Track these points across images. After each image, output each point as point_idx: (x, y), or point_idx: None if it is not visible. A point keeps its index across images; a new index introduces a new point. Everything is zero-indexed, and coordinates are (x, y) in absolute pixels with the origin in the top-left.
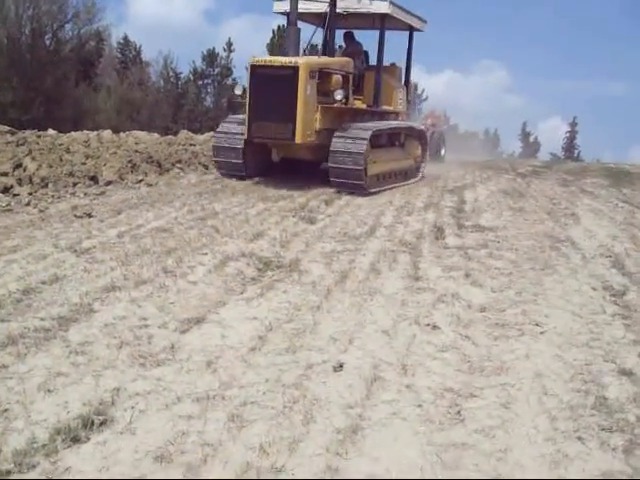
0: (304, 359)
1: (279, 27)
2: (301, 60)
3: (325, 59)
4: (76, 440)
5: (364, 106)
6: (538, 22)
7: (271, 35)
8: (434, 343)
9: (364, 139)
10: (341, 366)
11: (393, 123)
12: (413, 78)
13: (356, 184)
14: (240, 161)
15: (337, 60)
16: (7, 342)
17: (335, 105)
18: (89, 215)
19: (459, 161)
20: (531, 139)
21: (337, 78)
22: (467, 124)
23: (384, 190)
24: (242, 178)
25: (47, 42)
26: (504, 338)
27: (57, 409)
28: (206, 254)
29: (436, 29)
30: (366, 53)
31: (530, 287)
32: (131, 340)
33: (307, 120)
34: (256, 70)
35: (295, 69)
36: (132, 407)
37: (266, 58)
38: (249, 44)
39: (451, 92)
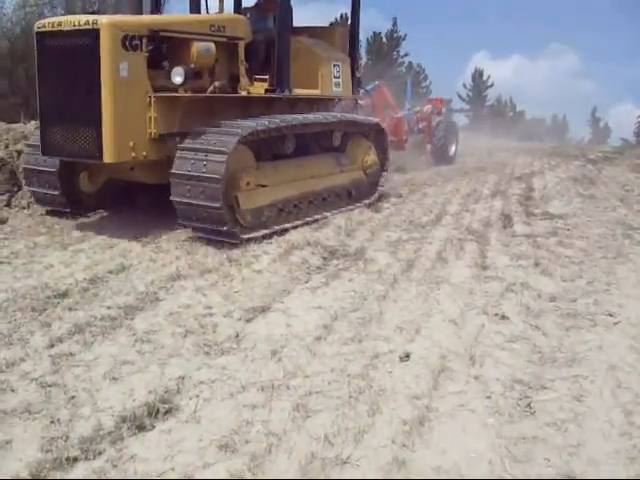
0: (370, 349)
1: (341, 15)
2: (105, 19)
3: (160, 17)
4: (141, 428)
5: (266, 93)
6: (609, 5)
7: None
8: (503, 333)
9: (224, 152)
10: (407, 356)
11: (309, 117)
12: (478, 64)
13: (217, 230)
14: (56, 192)
15: (192, 18)
16: (74, 330)
17: (181, 94)
18: None
19: (526, 148)
20: (601, 125)
21: (197, 49)
22: (534, 110)
23: (288, 228)
24: (72, 214)
25: None
26: (576, 329)
27: (123, 397)
28: (271, 243)
29: (502, 14)
30: (286, 7)
31: (602, 276)
32: (196, 328)
33: (126, 122)
34: (45, 41)
35: (93, 34)
36: (197, 395)
37: (56, 19)
38: None
39: (518, 78)
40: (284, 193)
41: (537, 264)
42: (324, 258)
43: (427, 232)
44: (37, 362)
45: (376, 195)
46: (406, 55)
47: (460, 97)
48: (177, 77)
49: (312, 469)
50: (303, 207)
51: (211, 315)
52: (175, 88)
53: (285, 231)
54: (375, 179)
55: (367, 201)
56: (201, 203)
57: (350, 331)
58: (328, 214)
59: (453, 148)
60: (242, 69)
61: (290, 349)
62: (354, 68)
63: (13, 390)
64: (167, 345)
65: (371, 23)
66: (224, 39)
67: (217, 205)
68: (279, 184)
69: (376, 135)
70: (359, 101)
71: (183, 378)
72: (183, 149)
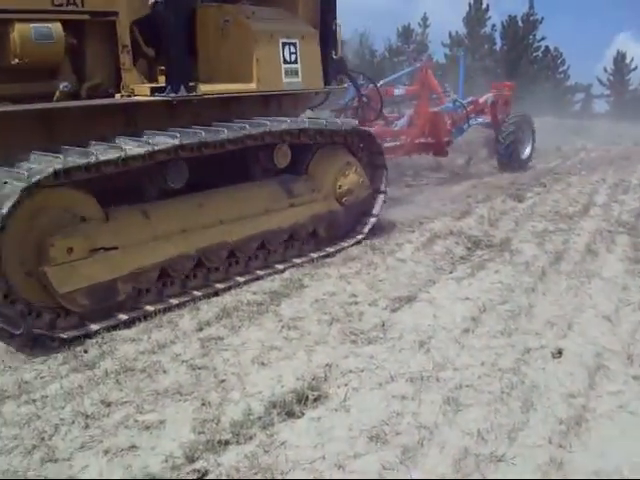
0: (520, 343)
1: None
2: None
3: None
4: (291, 414)
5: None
6: None
7: (467, 9)
8: None
9: None
10: (560, 352)
11: (201, 134)
12: (620, 47)
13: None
14: None
15: None
16: (222, 315)
17: None
18: None
19: None
20: None
21: (22, 34)
22: None
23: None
24: None
25: None
26: None
27: (271, 382)
28: (413, 231)
29: None
30: None
31: None
32: (342, 317)
33: None
34: None
35: None
36: (345, 384)
37: None
38: (445, 18)
39: None
40: (158, 254)
41: None
42: (468, 248)
43: (574, 223)
44: (187, 345)
45: (366, 230)
46: (543, 39)
47: (600, 82)
48: None
49: (466, 465)
50: (203, 271)
51: (356, 303)
52: None
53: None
54: (363, 207)
55: (350, 242)
56: None
57: (499, 324)
58: (261, 272)
59: (527, 149)
60: (125, 60)
61: (438, 340)
62: (329, 47)
63: (165, 371)
64: (313, 332)
65: (509, 7)
66: (84, 16)
67: None
68: (147, 241)
69: (363, 145)
70: (363, 92)
71: (330, 366)
72: None
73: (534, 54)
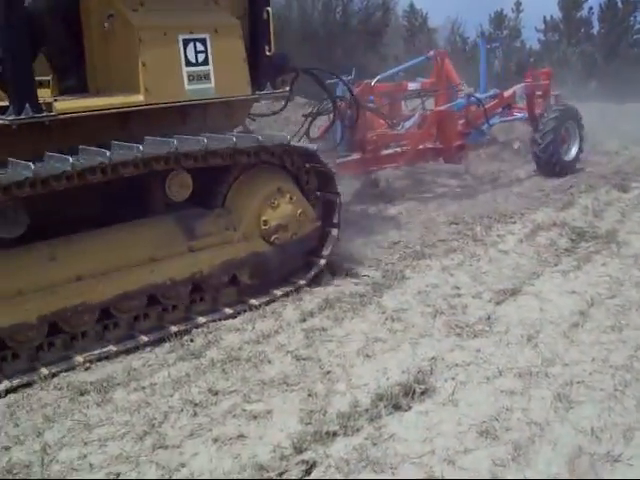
0: (632, 339)
1: None
2: None
3: None
4: (397, 407)
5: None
6: None
7: None
8: None
9: None
10: None
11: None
12: None
13: None
14: None
15: None
16: (324, 306)
17: None
18: None
19: None
20: None
21: None
22: None
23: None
24: None
25: (337, 16)
26: None
27: (376, 375)
28: (515, 222)
29: None
30: None
31: None
32: (445, 309)
33: None
34: None
35: None
36: (452, 378)
37: None
38: (539, 3)
39: None
40: None
41: None
42: (572, 240)
43: None
44: (291, 335)
45: (311, 274)
46: None
47: None
48: None
49: (580, 464)
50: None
51: (459, 296)
52: None
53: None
54: (309, 245)
55: (284, 290)
56: None
57: (608, 319)
58: (145, 337)
59: (573, 149)
60: None
61: (546, 335)
62: (259, 41)
63: (270, 361)
64: (417, 324)
65: None
66: None
67: None
68: None
69: (309, 167)
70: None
71: (435, 359)
72: None
73: (634, 37)
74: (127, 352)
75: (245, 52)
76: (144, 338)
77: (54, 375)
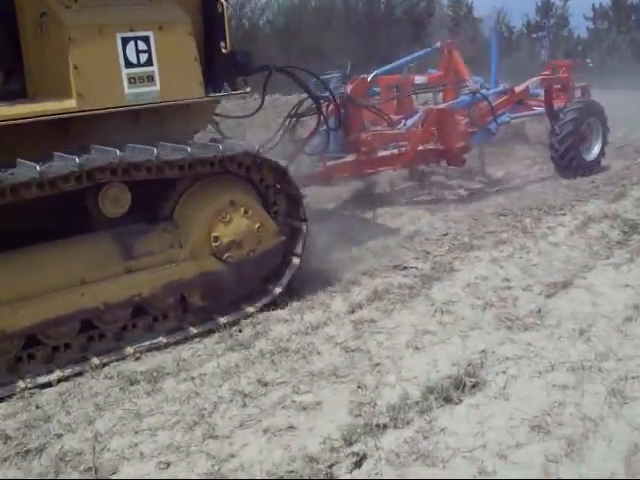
0: None
1: None
2: None
3: None
4: (448, 400)
5: None
6: None
7: None
8: None
9: None
10: None
11: None
12: None
13: None
14: None
15: None
16: (373, 297)
17: None
18: None
19: None
20: None
21: None
22: None
23: None
24: None
25: (381, 6)
26: None
27: (426, 367)
28: (565, 214)
29: None
30: None
31: None
32: (495, 301)
33: None
34: None
35: None
36: (503, 372)
37: None
38: None
39: None
40: None
41: None
42: (624, 232)
43: None
44: (339, 327)
45: (277, 292)
46: None
47: None
48: None
49: (637, 461)
50: None
51: (509, 288)
52: None
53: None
54: (272, 262)
55: (238, 315)
56: None
57: None
58: (195, 329)
59: (595, 148)
60: None
61: (599, 329)
62: (215, 38)
63: (319, 353)
64: (467, 317)
65: None
66: None
67: None
68: None
69: (270, 176)
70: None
71: (485, 352)
72: None
73: None
74: (177, 343)
75: (197, 50)
76: (193, 330)
77: (105, 365)
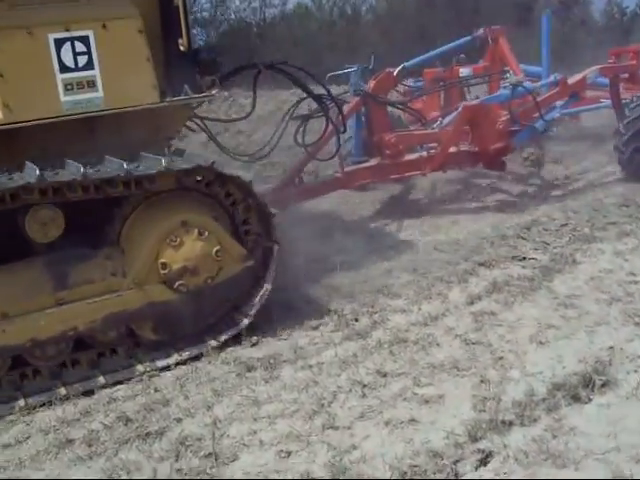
0: None
1: None
2: None
3: None
4: (576, 399)
5: None
6: None
7: None
8: None
9: None
10: None
11: None
12: None
13: None
14: None
15: None
16: (492, 289)
17: None
18: None
19: None
20: None
21: None
22: None
23: None
24: None
25: None
26: None
27: (551, 363)
28: None
29: None
30: None
31: None
32: (622, 296)
33: None
34: None
35: None
36: (635, 370)
37: None
38: None
39: None
40: None
41: None
42: None
43: None
44: (459, 318)
45: (246, 321)
46: None
47: None
48: None
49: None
50: None
51: (636, 282)
52: None
53: None
54: (238, 289)
55: (194, 350)
56: None
57: None
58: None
59: None
60: None
61: None
62: (170, 35)
63: (438, 344)
64: (592, 312)
65: None
66: None
67: None
68: None
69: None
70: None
71: (614, 349)
72: None
73: None
74: (292, 330)
75: (149, 49)
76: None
77: (221, 349)
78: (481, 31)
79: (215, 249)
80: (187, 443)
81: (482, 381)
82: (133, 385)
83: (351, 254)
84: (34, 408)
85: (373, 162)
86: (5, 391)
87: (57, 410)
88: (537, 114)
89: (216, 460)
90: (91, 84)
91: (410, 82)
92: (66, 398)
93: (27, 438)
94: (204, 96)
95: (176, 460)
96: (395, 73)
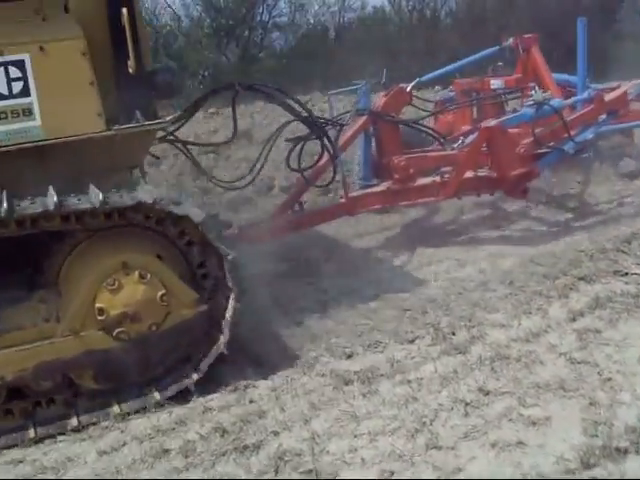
0: None
1: None
2: None
3: None
4: None
5: None
6: None
7: None
8: None
9: None
10: None
11: None
12: None
13: None
14: None
15: None
16: (594, 305)
17: None
18: None
19: None
20: None
21: None
22: None
23: None
24: None
25: None
26: None
27: None
28: None
29: None
30: None
31: None
32: None
33: None
34: None
35: None
36: None
37: None
38: None
39: None
40: None
41: None
42: None
43: None
44: (562, 335)
45: (195, 376)
46: None
47: None
48: None
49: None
50: None
51: None
52: None
53: None
54: (189, 336)
55: (157, 397)
56: None
57: None
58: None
59: None
60: None
61: None
62: (120, 56)
63: (542, 362)
64: None
65: None
66: None
67: None
68: None
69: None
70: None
71: None
72: None
73: None
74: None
75: (95, 73)
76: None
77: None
78: (511, 40)
79: (160, 293)
80: (286, 458)
81: (591, 403)
82: (227, 394)
83: None
84: None
85: (382, 187)
86: None
87: None
88: (564, 135)
89: (317, 477)
90: (27, 112)
91: (441, 93)
92: None
93: None
94: (157, 122)
95: (275, 474)
96: (409, 88)
